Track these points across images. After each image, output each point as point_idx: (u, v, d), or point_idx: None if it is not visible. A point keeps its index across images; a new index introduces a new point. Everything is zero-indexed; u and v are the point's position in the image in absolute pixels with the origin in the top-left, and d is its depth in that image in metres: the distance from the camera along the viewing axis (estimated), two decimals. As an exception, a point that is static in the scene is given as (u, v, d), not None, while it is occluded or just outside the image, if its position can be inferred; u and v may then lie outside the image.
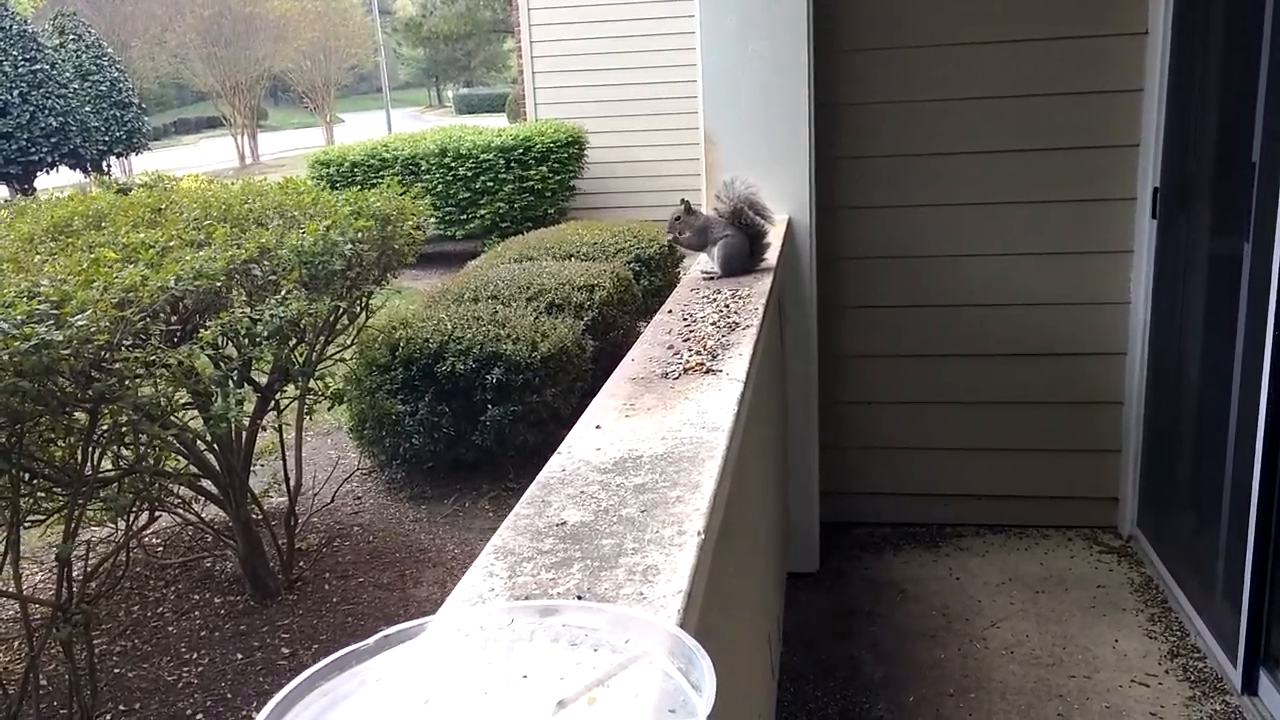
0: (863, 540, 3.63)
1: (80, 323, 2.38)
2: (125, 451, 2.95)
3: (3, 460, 2.45)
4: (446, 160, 9.51)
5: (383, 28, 33.02)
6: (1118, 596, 3.15)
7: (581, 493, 1.14)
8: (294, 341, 3.38)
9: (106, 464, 2.93)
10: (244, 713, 2.96)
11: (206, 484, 3.49)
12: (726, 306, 2.14)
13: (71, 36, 17.63)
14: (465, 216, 9.58)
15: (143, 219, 3.75)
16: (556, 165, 9.68)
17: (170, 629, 3.46)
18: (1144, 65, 3.18)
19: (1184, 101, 3.04)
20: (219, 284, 2.96)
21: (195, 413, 3.27)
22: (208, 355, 3.11)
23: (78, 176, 16.64)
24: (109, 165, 18.04)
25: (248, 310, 3.07)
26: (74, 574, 2.86)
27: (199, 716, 2.98)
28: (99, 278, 2.61)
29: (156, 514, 3.30)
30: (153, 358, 2.66)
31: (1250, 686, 2.53)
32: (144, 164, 18.80)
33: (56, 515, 2.88)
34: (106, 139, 17.48)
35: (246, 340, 3.11)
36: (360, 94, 43.79)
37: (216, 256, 2.98)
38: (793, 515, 3.39)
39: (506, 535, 1.03)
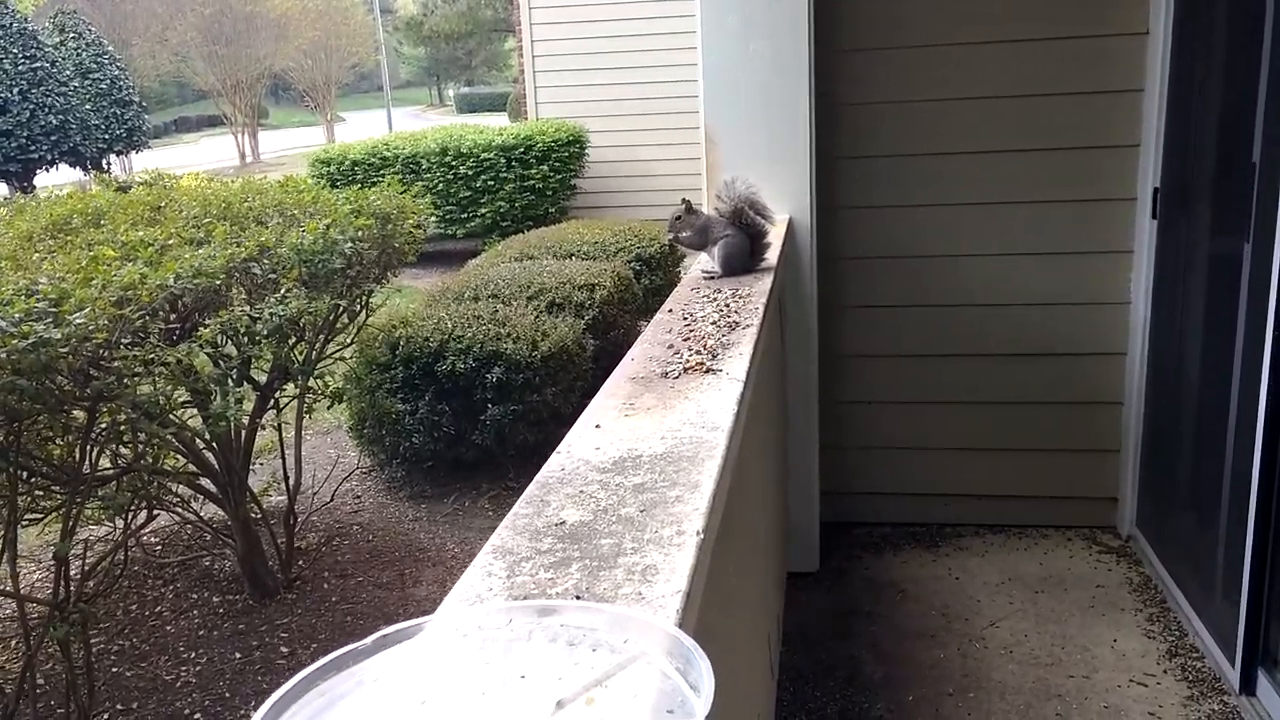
0: (863, 540, 3.63)
1: (78, 321, 2.38)
2: (124, 450, 2.95)
3: (0, 458, 2.44)
4: (447, 159, 9.51)
5: (384, 26, 33.00)
6: (1117, 596, 3.14)
7: (581, 492, 1.14)
8: (293, 340, 3.38)
9: (105, 462, 2.93)
10: (242, 712, 2.96)
11: (205, 482, 3.48)
12: (727, 306, 2.14)
13: (72, 34, 17.62)
14: (466, 215, 9.58)
15: (142, 217, 3.75)
16: (557, 164, 9.68)
17: (168, 628, 3.46)
18: (1144, 66, 3.18)
19: (1184, 102, 3.04)
20: (218, 282, 2.96)
21: (194, 411, 3.27)
22: (207, 354, 3.11)
23: (77, 174, 16.63)
24: (109, 163, 18.03)
25: (247, 309, 3.07)
26: (72, 573, 2.85)
27: (197, 716, 2.98)
28: (98, 275, 2.61)
29: (155, 512, 3.30)
30: (151, 356, 2.66)
31: (1248, 686, 2.53)
32: (144, 162, 18.80)
33: (54, 514, 2.88)
34: (106, 137, 17.47)
35: (246, 339, 3.11)
36: (361, 93, 43.78)
37: (216, 255, 2.98)
38: (793, 515, 3.38)
39: (505, 535, 1.03)
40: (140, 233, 3.28)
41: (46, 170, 16.23)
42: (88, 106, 16.82)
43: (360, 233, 3.56)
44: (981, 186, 3.40)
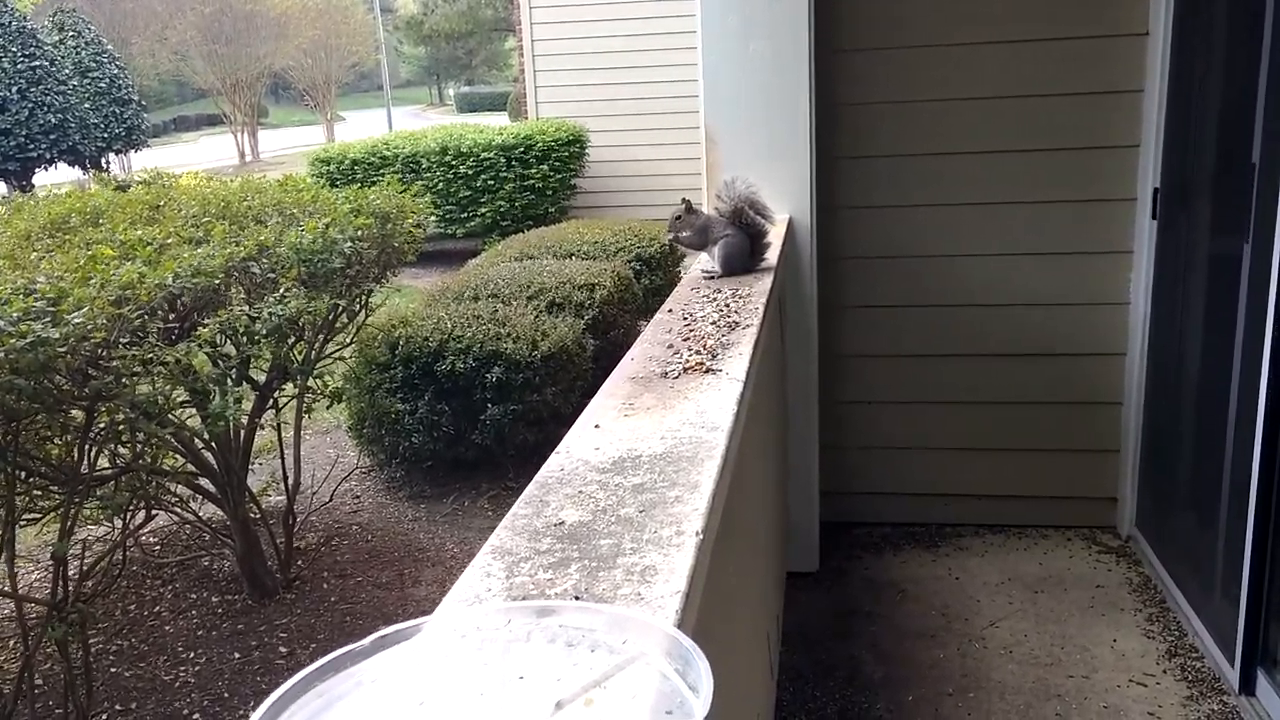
0: (862, 540, 3.63)
1: (77, 320, 2.38)
2: (122, 450, 2.95)
3: (-1, 458, 2.44)
4: (447, 158, 9.50)
5: (384, 26, 32.99)
6: (1116, 596, 3.14)
7: (580, 492, 1.13)
8: (293, 340, 3.38)
9: (103, 462, 2.93)
10: (241, 712, 2.95)
11: (204, 482, 3.48)
12: (727, 306, 2.14)
13: (71, 33, 17.61)
14: (466, 215, 9.57)
15: (141, 216, 3.74)
16: (557, 164, 9.68)
17: (167, 628, 3.46)
18: (1144, 66, 3.18)
19: (1184, 102, 3.03)
20: (217, 281, 2.96)
21: (193, 411, 3.27)
22: (206, 353, 3.11)
23: (76, 173, 16.62)
24: (108, 162, 18.02)
25: (246, 308, 3.06)
26: (70, 573, 2.85)
27: (196, 716, 2.97)
28: (96, 275, 2.60)
29: (154, 512, 3.30)
30: (150, 355, 2.65)
31: (1248, 686, 2.53)
32: (143, 161, 18.79)
33: (52, 514, 2.88)
34: (105, 136, 17.46)
35: (245, 338, 3.11)
36: (361, 92, 43.76)
37: (215, 254, 2.97)
38: (793, 515, 3.38)
39: (504, 535, 1.02)
40: (139, 232, 3.28)
41: (45, 169, 16.22)
42: (87, 105, 16.81)
43: (360, 232, 3.56)
44: (982, 186, 3.40)
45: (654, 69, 10.15)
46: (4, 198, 12.89)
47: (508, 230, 8.98)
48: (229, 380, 3.12)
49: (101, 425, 2.75)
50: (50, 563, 2.92)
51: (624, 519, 1.05)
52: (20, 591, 2.74)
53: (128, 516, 3.09)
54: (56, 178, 16.15)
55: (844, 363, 3.60)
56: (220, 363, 3.13)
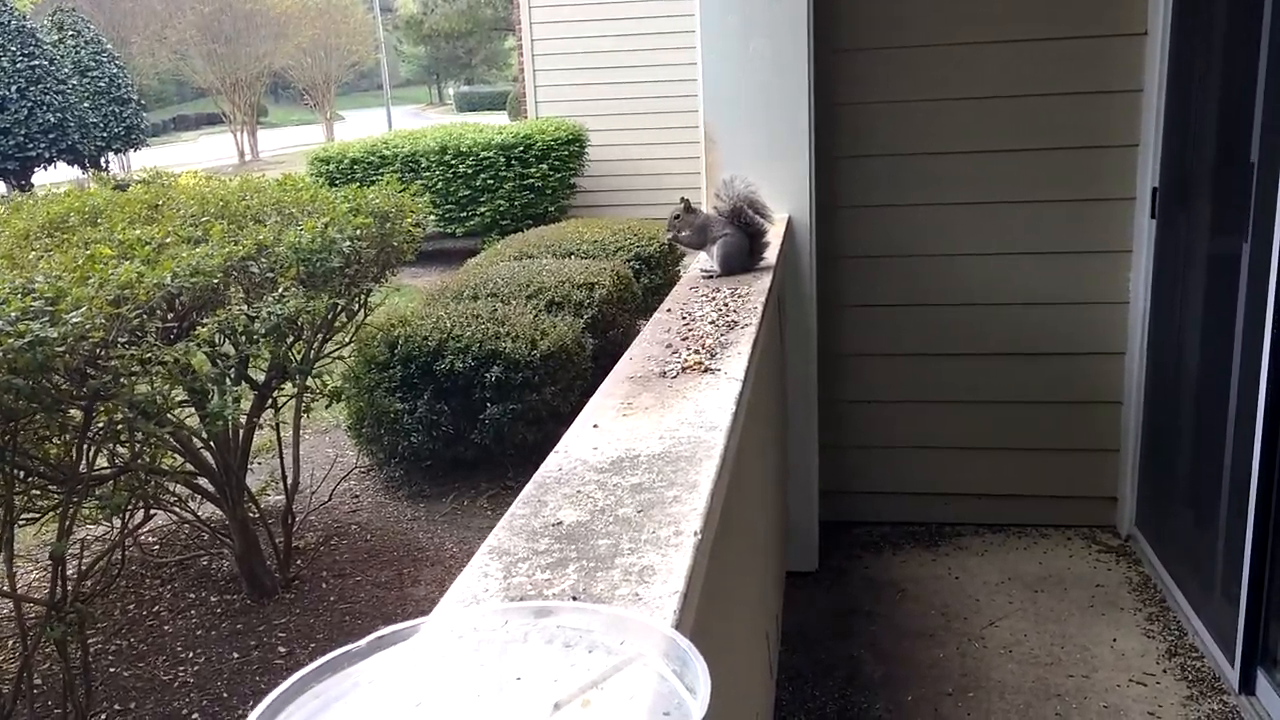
0: (862, 539, 3.63)
1: (75, 319, 2.37)
2: (121, 449, 2.94)
3: (-2, 457, 2.44)
4: (447, 158, 9.50)
5: (384, 25, 32.97)
6: (1116, 596, 3.14)
7: (578, 492, 1.13)
8: (292, 339, 3.37)
9: (102, 461, 2.92)
10: (240, 712, 2.95)
11: (203, 482, 3.48)
12: (725, 305, 2.13)
13: (70, 32, 17.60)
14: (465, 214, 9.57)
15: (139, 215, 3.74)
16: (557, 163, 9.67)
17: (166, 628, 3.46)
18: (1143, 65, 3.18)
19: (1183, 101, 3.03)
20: (216, 281, 2.95)
21: (192, 410, 3.26)
22: (204, 352, 3.10)
23: (76, 172, 16.60)
24: (107, 161, 18.01)
25: (245, 307, 3.06)
26: (69, 572, 2.85)
27: (195, 716, 2.97)
28: (94, 274, 2.60)
29: (152, 512, 3.29)
30: (149, 355, 2.65)
31: (1248, 686, 2.53)
32: (143, 160, 18.77)
33: (51, 513, 2.87)
34: (105, 135, 17.45)
35: (243, 338, 3.10)
36: (361, 91, 43.75)
37: (213, 253, 2.97)
38: (792, 514, 3.38)
39: (502, 535, 1.02)
40: (137, 231, 3.28)
41: (44, 168, 16.22)
42: (86, 104, 16.80)
43: (359, 231, 3.56)
44: (981, 186, 3.40)
45: (654, 68, 10.15)
46: (3, 197, 12.89)
47: (507, 229, 8.98)
48: (228, 380, 3.12)
49: (100, 425, 2.75)
50: (49, 562, 2.92)
51: (622, 519, 1.05)
52: (19, 591, 2.74)
53: (126, 516, 3.08)
54: (56, 177, 16.14)
55: (843, 362, 3.60)
56: (219, 362, 3.13)
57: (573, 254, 6.27)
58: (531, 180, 9.51)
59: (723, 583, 1.44)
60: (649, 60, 10.20)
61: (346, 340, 3.99)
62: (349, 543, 4.06)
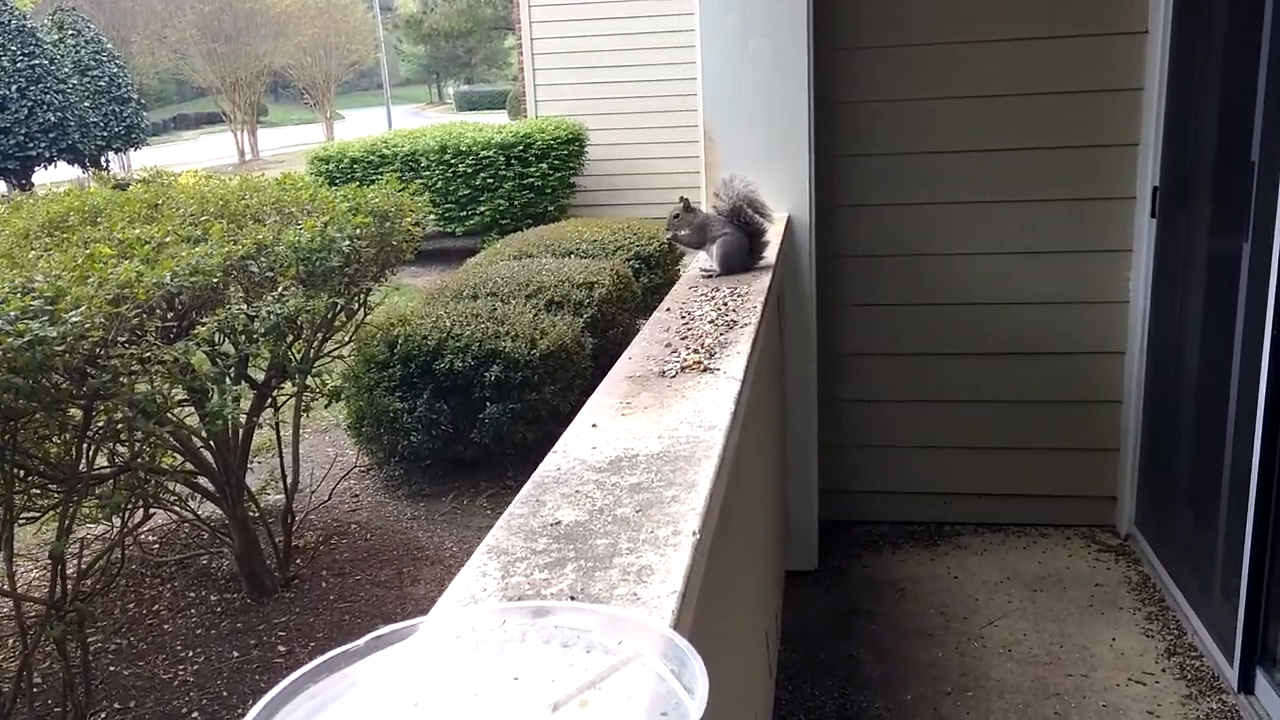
0: (862, 539, 3.63)
1: (74, 319, 2.37)
2: (121, 448, 2.94)
3: (-3, 457, 2.44)
4: (446, 157, 9.50)
5: (383, 24, 32.97)
6: (1115, 595, 3.14)
7: (576, 492, 1.13)
8: (291, 338, 3.37)
9: (102, 461, 2.92)
10: (239, 711, 2.95)
11: (203, 481, 3.48)
12: (725, 304, 2.13)
13: (71, 31, 17.59)
14: (465, 213, 9.57)
15: (139, 215, 3.74)
16: (557, 162, 9.67)
17: (166, 627, 3.46)
18: (1144, 64, 3.18)
19: (1184, 100, 3.03)
20: (215, 280, 2.95)
21: (191, 409, 3.26)
22: (204, 352, 3.10)
23: (76, 172, 16.60)
24: (107, 161, 18.00)
25: (244, 307, 3.06)
26: (69, 571, 2.85)
27: (195, 715, 2.97)
28: (94, 273, 2.60)
29: (152, 511, 3.29)
30: (148, 354, 2.65)
31: (1247, 685, 2.53)
32: (143, 160, 18.77)
33: (51, 512, 2.87)
34: (105, 134, 17.44)
35: (243, 337, 3.10)
36: (361, 90, 43.74)
37: (213, 253, 2.97)
38: (792, 513, 3.38)
39: (500, 535, 1.02)
40: (137, 230, 3.27)
41: (45, 168, 16.21)
42: (86, 104, 16.79)
43: (358, 230, 3.56)
44: (981, 185, 3.39)
45: (653, 67, 10.14)
46: (3, 196, 12.89)
47: (507, 229, 8.97)
48: (227, 379, 3.12)
49: (100, 424, 2.75)
50: (49, 561, 2.92)
51: (620, 519, 1.05)
52: (19, 590, 2.74)
53: (126, 515, 3.08)
54: (56, 176, 16.13)
55: (843, 361, 3.60)
56: (218, 361, 3.13)
57: (572, 253, 6.27)
58: (531, 179, 9.51)
59: (721, 582, 1.44)
60: (649, 59, 10.19)
61: (346, 339, 3.99)
62: (349, 542, 4.06)
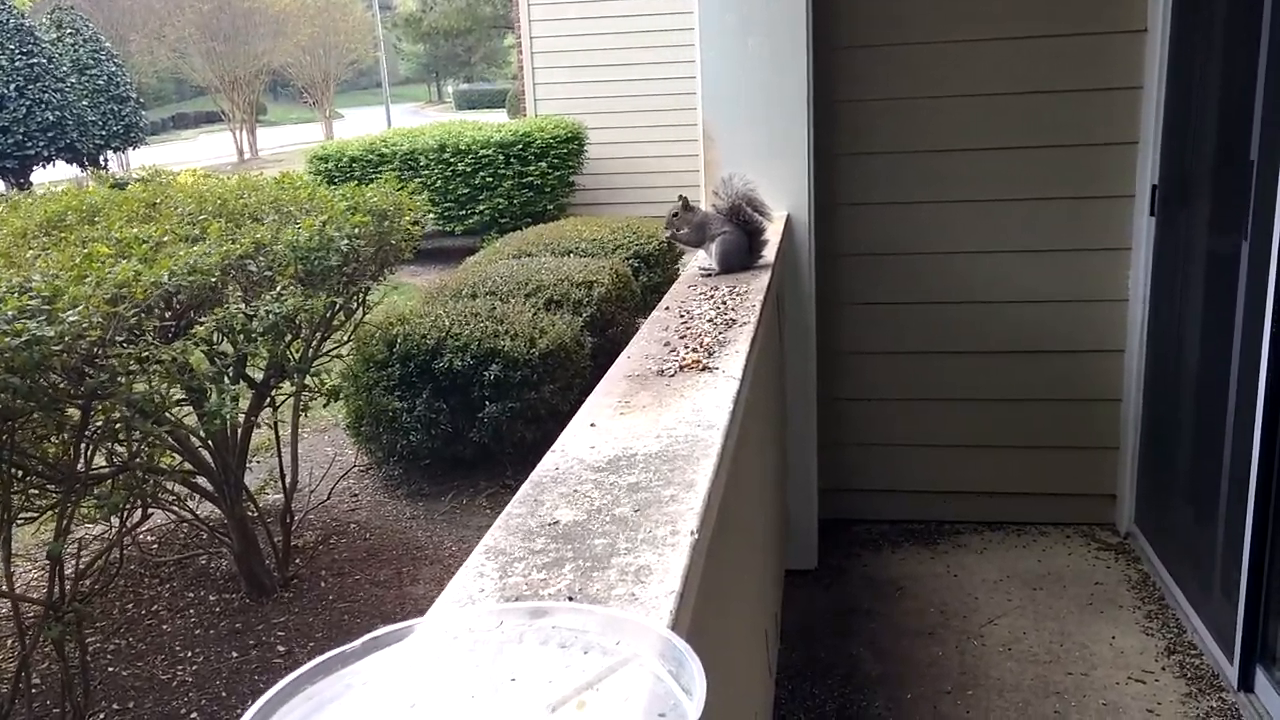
0: (861, 537, 3.63)
1: (72, 318, 2.37)
2: (119, 448, 2.94)
3: (-5, 456, 2.43)
4: (445, 156, 9.49)
5: (383, 23, 32.95)
6: (1115, 593, 3.14)
7: (575, 491, 1.13)
8: (290, 337, 3.37)
9: (100, 460, 2.92)
10: (238, 711, 2.95)
11: (201, 481, 3.47)
12: (724, 303, 2.13)
13: (69, 30, 17.58)
14: (464, 212, 9.56)
15: (137, 214, 3.73)
16: (556, 161, 9.66)
17: (165, 627, 3.45)
18: (1143, 63, 3.17)
19: (1183, 99, 3.03)
20: (214, 279, 2.95)
21: (190, 409, 3.26)
22: (202, 351, 3.10)
23: (74, 171, 16.59)
24: (106, 160, 17.99)
25: (243, 306, 3.05)
26: (67, 572, 2.84)
27: (194, 715, 2.97)
28: (92, 273, 2.59)
29: (150, 511, 3.29)
30: (146, 354, 2.65)
31: (1247, 683, 2.53)
32: (142, 159, 18.73)
33: (49, 513, 2.87)
34: (104, 133, 17.43)
35: (242, 336, 3.10)
36: (360, 89, 43.71)
37: (211, 252, 2.97)
38: (791, 512, 3.38)
39: (498, 535, 1.02)
40: (135, 230, 3.27)
41: (43, 167, 16.20)
42: (85, 103, 16.78)
43: (357, 230, 3.55)
44: (981, 184, 3.39)
45: (653, 66, 10.14)
46: (1, 195, 12.87)
47: (506, 227, 8.97)
48: (225, 378, 3.11)
49: (98, 423, 2.75)
50: (47, 562, 2.91)
51: (619, 518, 1.04)
52: (17, 590, 2.73)
53: (125, 515, 3.08)
54: (54, 175, 16.12)
55: (842, 360, 3.59)
56: (217, 361, 3.12)
57: (572, 252, 6.26)
58: (530, 178, 9.50)
59: (720, 582, 1.43)
60: (648, 58, 10.19)
61: (345, 339, 3.99)
62: (348, 541, 4.06)
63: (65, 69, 16.47)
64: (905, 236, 3.48)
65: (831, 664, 2.87)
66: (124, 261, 2.74)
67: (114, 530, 3.15)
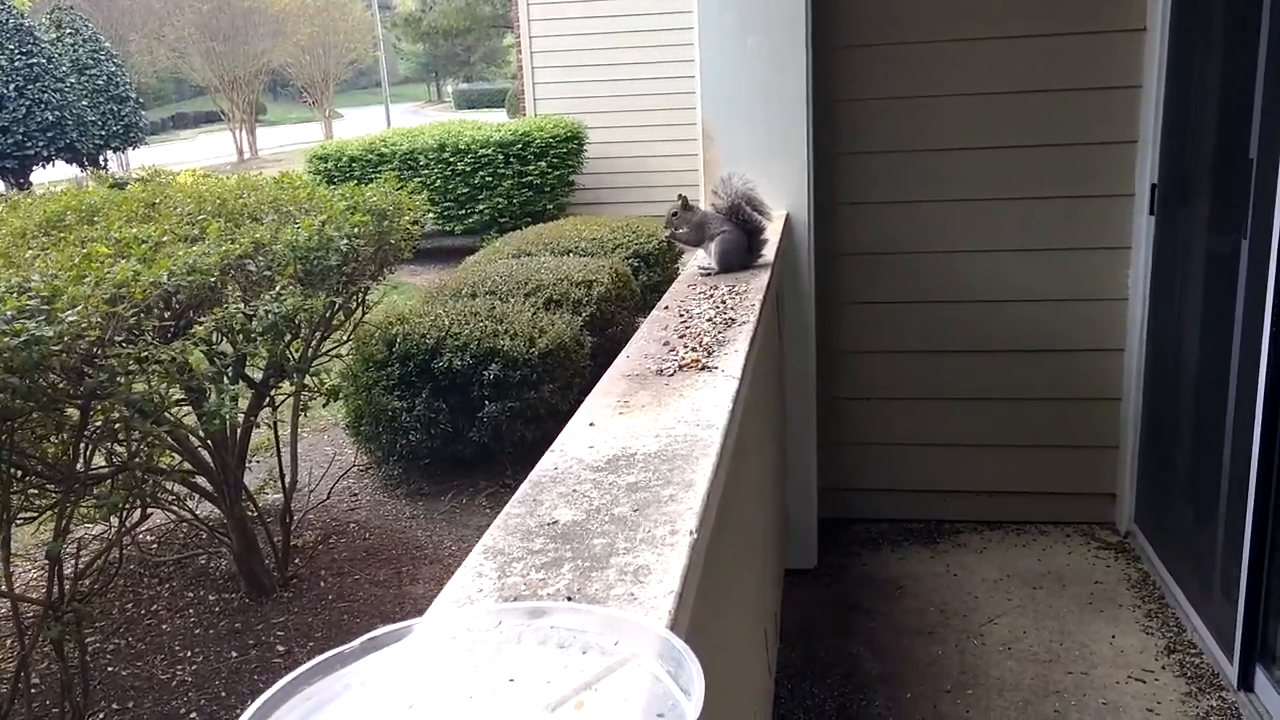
0: (861, 536, 3.63)
1: (71, 318, 2.37)
2: (118, 448, 2.94)
3: (-6, 457, 2.43)
4: (445, 155, 9.49)
5: (382, 22, 32.94)
6: (1115, 592, 3.14)
7: (574, 491, 1.13)
8: (289, 337, 3.37)
9: (99, 460, 2.92)
10: (237, 711, 2.94)
11: (201, 481, 3.47)
12: (723, 303, 2.13)
13: (69, 30, 17.57)
14: (464, 212, 9.56)
15: (136, 214, 3.73)
16: (555, 160, 9.66)
17: (164, 627, 3.45)
18: (1142, 61, 3.17)
19: (1182, 98, 3.03)
20: (213, 279, 2.95)
21: (189, 409, 3.26)
22: (202, 351, 3.10)
23: (74, 171, 16.58)
24: (106, 160, 17.98)
25: (242, 306, 3.05)
26: (66, 572, 2.84)
27: (193, 715, 2.97)
28: (91, 273, 2.59)
29: (150, 511, 3.29)
30: (145, 353, 2.64)
31: (1246, 682, 2.53)
32: (141, 159, 18.72)
33: (48, 513, 2.87)
34: (103, 133, 17.42)
35: (241, 336, 3.10)
36: (359, 89, 43.70)
37: (210, 252, 2.96)
38: (791, 512, 3.38)
39: (497, 535, 1.02)
40: (134, 230, 3.27)
41: (43, 167, 16.18)
42: (84, 103, 16.77)
43: (356, 229, 3.55)
44: (980, 183, 3.39)
45: (652, 65, 10.14)
46: (1, 195, 12.86)
47: (506, 227, 8.97)
48: (225, 378, 3.11)
49: (97, 423, 2.75)
50: (46, 562, 2.91)
51: (618, 518, 1.04)
52: (17, 590, 2.73)
53: (124, 515, 3.08)
54: (54, 175, 16.10)
55: (842, 359, 3.59)
56: (216, 360, 3.12)
57: (571, 251, 6.26)
58: (530, 178, 9.50)
59: (719, 581, 1.43)
60: (647, 58, 10.19)
61: (344, 338, 3.99)
62: (347, 541, 4.06)
63: (65, 69, 16.45)
64: (905, 236, 3.48)
65: (831, 663, 2.87)
66: (123, 261, 2.74)
67: (113, 530, 3.14)
